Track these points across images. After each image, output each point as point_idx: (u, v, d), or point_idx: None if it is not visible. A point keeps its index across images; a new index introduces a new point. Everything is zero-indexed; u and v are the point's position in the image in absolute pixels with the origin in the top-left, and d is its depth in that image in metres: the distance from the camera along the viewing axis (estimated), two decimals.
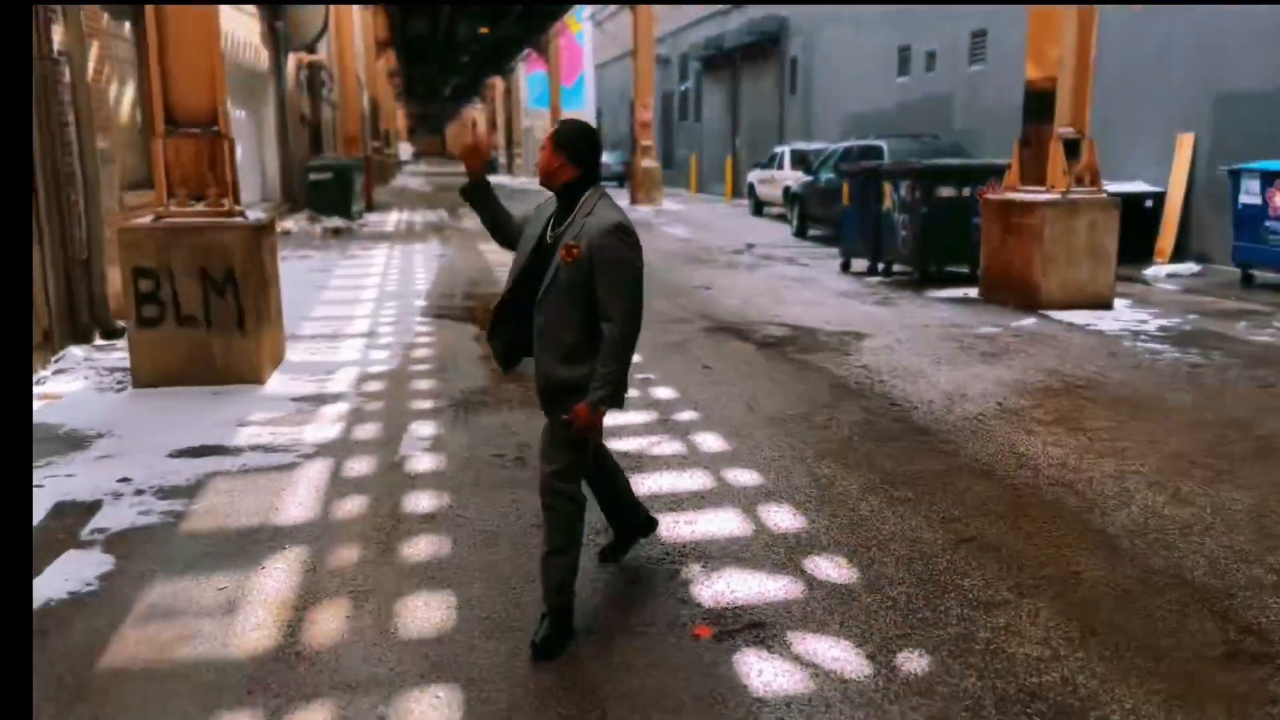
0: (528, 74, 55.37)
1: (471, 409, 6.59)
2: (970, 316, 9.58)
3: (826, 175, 16.82)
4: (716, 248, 16.42)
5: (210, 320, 6.93)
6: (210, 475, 5.26)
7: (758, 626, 3.65)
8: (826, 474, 5.26)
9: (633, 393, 6.97)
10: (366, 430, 6.15)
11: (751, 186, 23.38)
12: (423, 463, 5.53)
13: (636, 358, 8.17)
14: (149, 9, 6.98)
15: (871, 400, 6.66)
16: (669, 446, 5.81)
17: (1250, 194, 10.76)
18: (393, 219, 24.07)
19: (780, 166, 21.45)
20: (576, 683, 3.31)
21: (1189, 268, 12.37)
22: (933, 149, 15.48)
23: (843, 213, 12.95)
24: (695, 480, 5.22)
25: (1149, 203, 13.07)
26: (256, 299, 7.07)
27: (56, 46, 7.84)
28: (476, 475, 5.32)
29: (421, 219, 24.10)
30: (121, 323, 7.90)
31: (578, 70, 55.43)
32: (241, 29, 17.23)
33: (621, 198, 30.23)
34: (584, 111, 54.96)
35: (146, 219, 7.14)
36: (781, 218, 21.59)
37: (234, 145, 7.44)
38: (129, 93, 10.56)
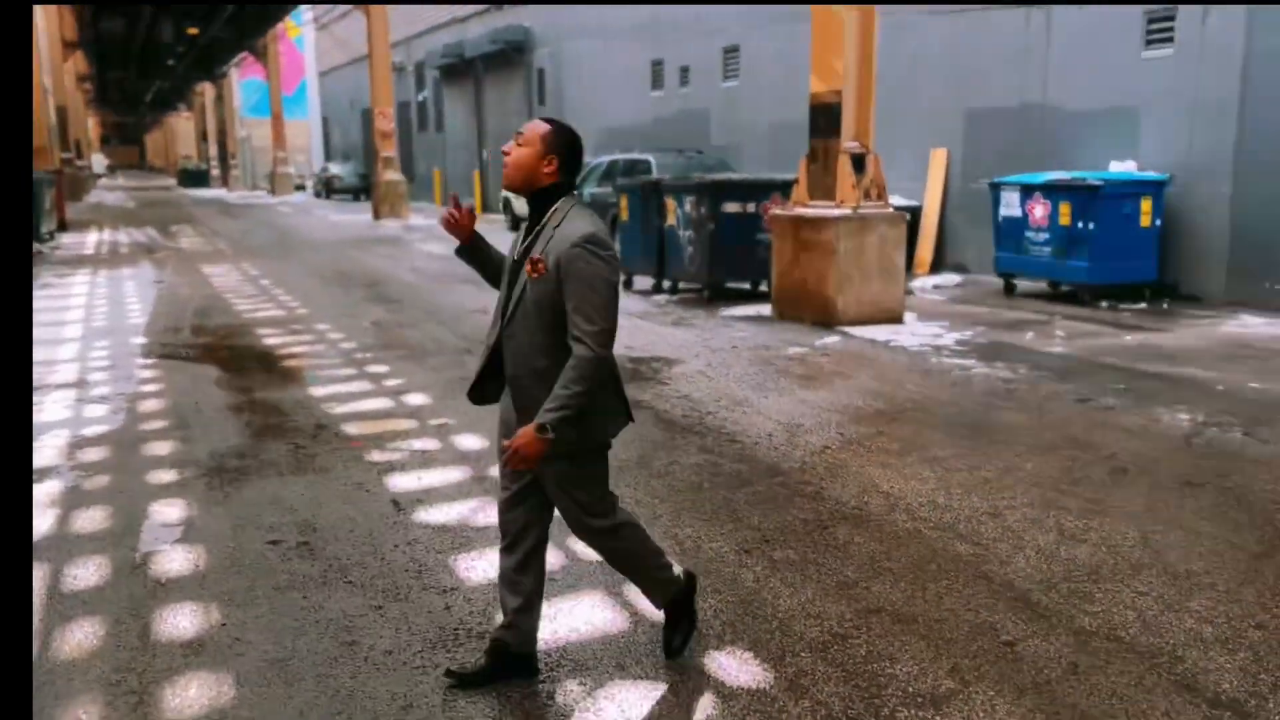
0: (241, 80, 51.47)
1: (229, 479, 5.30)
2: (772, 336, 9.18)
3: (591, 189, 16.24)
4: None
5: None
6: None
7: None
8: (690, 535, 4.49)
9: (431, 444, 5.93)
10: (90, 518, 4.73)
11: (507, 201, 22.42)
12: (174, 561, 4.25)
13: (424, 399, 7.15)
14: None
15: (707, 437, 5.97)
16: (495, 513, 4.82)
17: (1010, 206, 11.15)
18: (92, 239, 21.19)
19: None
20: None
21: (952, 278, 12.75)
22: (699, 164, 15.27)
23: (620, 229, 12.35)
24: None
25: (908, 216, 13.37)
26: None
27: None
28: (251, 575, 4.11)
29: (128, 239, 21.37)
30: None
31: (299, 77, 52.23)
32: None
33: (361, 212, 28.75)
34: (307, 121, 51.88)
35: None
36: None
37: None
38: None
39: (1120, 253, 10.34)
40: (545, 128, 3.00)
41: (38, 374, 7.65)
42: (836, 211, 9.44)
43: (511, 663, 3.25)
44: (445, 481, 5.28)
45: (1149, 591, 3.89)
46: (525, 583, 3.23)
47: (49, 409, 6.72)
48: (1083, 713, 3.08)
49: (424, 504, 4.94)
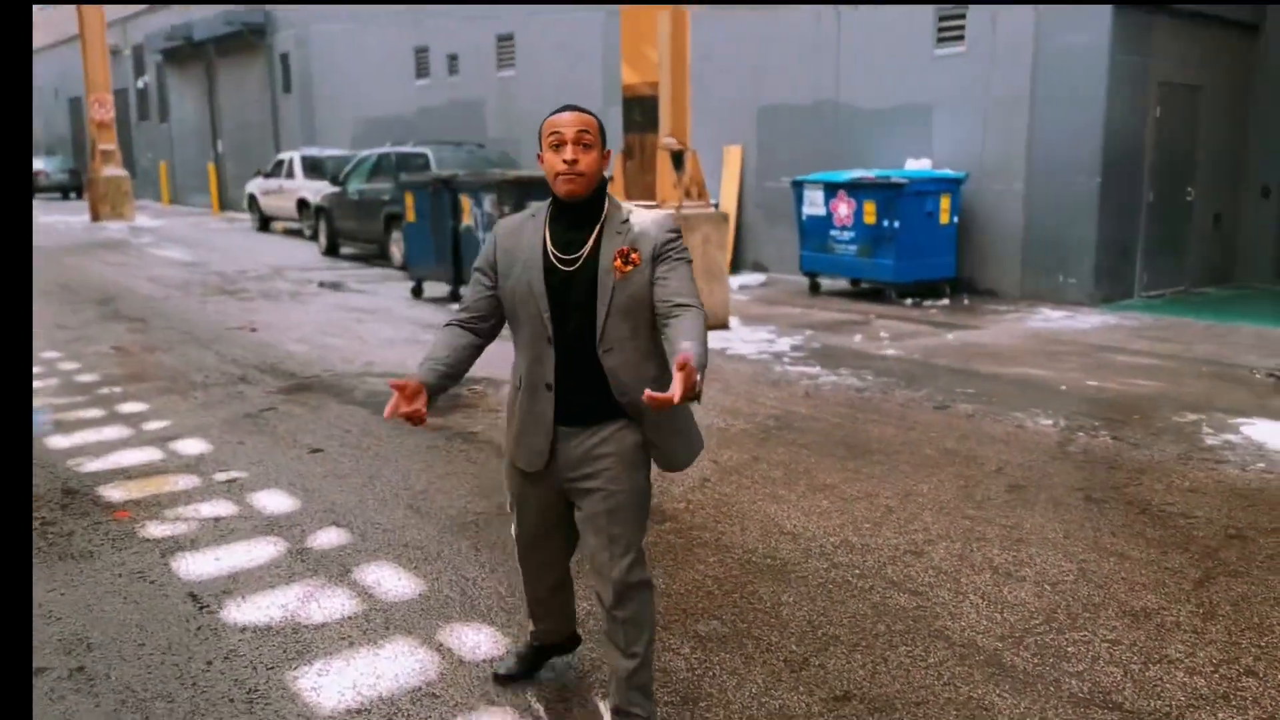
0: None
1: None
2: None
3: (359, 186, 14.83)
4: (237, 273, 13.63)
5: None
6: None
7: None
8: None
9: (224, 507, 4.79)
10: None
11: (253, 198, 20.33)
12: None
13: (201, 445, 5.84)
14: None
15: None
16: (334, 601, 3.79)
17: (814, 205, 11.00)
18: None
19: (290, 175, 18.82)
20: None
21: (755, 278, 12.52)
22: (481, 158, 14.26)
23: (406, 231, 11.17)
24: (414, 659, 3.33)
25: (729, 215, 13.06)
26: None
27: None
28: None
29: None
30: None
31: None
32: None
33: (75, 213, 25.25)
34: None
35: None
36: (297, 234, 19.01)
37: None
38: None
39: (923, 250, 10.41)
40: (593, 119, 2.62)
41: None
42: None
43: (557, 648, 3.20)
44: (255, 560, 4.16)
45: (1119, 639, 3.49)
46: (559, 598, 3.10)
47: None
48: None
49: (233, 596, 3.83)
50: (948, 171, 10.70)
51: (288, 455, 5.54)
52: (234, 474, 5.22)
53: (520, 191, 9.76)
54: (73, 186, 31.22)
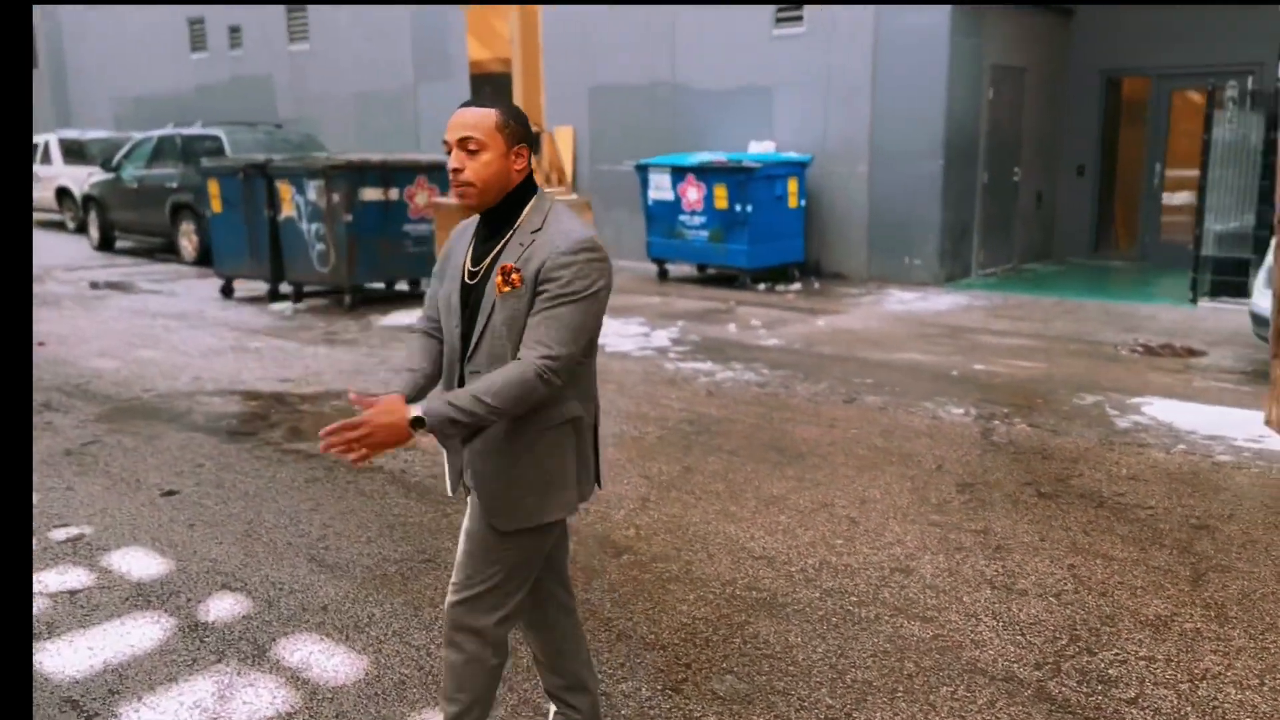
0: None
1: None
2: None
3: (138, 172, 13.15)
4: None
5: None
6: None
7: None
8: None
9: (82, 577, 3.87)
10: None
11: (64, 191, 17.72)
12: None
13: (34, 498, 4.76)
14: None
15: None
16: (260, 695, 3.02)
17: (661, 189, 10.61)
18: None
19: (47, 161, 16.57)
20: None
21: None
22: (282, 140, 12.95)
23: (213, 223, 9.89)
24: None
25: (591, 199, 12.42)
26: None
27: None
28: None
29: None
30: None
31: None
32: None
33: None
34: None
35: None
36: (58, 226, 16.79)
37: None
38: None
39: (775, 234, 10.26)
40: (493, 115, 2.23)
41: None
42: None
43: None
44: (138, 646, 3.31)
45: (1152, 655, 3.29)
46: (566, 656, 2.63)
47: None
48: None
49: (125, 699, 3.00)
50: (794, 154, 10.59)
51: (135, 501, 4.57)
52: (74, 530, 4.24)
53: (352, 177, 8.81)
54: None
